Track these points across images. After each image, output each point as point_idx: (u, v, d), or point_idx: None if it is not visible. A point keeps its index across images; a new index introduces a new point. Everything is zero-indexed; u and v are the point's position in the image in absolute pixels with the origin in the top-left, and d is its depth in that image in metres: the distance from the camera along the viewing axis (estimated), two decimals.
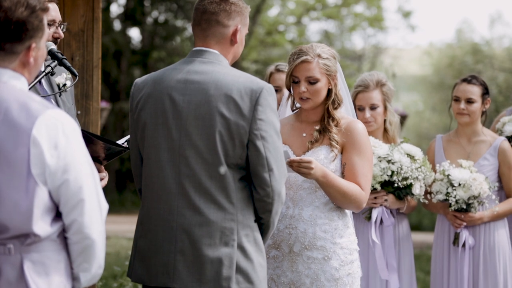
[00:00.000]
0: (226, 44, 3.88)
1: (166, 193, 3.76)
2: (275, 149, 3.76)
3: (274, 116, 3.78)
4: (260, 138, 3.71)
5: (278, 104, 5.41)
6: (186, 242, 3.73)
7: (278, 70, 5.86)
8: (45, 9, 3.11)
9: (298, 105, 4.55)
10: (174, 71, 3.84)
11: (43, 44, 3.14)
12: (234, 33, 3.87)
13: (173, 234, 3.75)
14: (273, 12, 24.09)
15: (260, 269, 3.81)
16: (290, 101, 4.58)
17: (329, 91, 4.43)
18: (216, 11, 3.84)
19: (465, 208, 5.69)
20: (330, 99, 4.42)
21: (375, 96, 5.57)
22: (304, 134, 4.46)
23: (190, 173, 3.73)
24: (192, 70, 3.80)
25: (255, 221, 3.83)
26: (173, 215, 3.75)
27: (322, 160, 4.36)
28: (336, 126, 4.40)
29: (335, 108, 4.43)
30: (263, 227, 3.87)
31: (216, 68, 3.79)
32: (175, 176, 3.75)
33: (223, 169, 3.73)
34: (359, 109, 5.56)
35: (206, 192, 3.72)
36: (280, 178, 3.78)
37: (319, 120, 4.45)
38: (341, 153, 4.41)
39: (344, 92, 4.56)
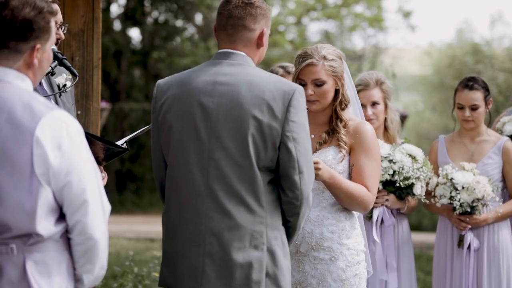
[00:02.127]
0: (253, 48, 3.84)
1: (194, 196, 3.71)
2: (306, 151, 3.73)
3: (305, 118, 3.75)
4: (292, 140, 3.68)
5: None
6: (215, 246, 3.68)
7: (288, 73, 5.82)
8: (53, 12, 3.12)
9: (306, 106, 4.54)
10: (201, 72, 3.78)
11: (48, 47, 3.14)
12: (260, 36, 3.84)
13: (201, 237, 3.69)
14: (273, 12, 24.04)
15: (287, 273, 3.77)
16: None
17: (337, 92, 4.42)
18: (242, 16, 3.79)
19: (469, 211, 5.69)
20: (338, 100, 4.41)
21: (376, 94, 5.60)
22: (313, 136, 4.45)
23: (220, 176, 3.67)
24: (221, 72, 3.75)
25: (282, 224, 3.80)
26: (202, 218, 3.69)
27: (330, 160, 4.35)
28: (344, 127, 4.40)
29: (343, 109, 4.42)
30: (290, 230, 3.83)
31: (245, 70, 3.76)
32: (203, 179, 3.69)
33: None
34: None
35: (236, 195, 3.67)
36: (309, 181, 3.75)
37: (327, 122, 4.45)
38: (349, 154, 4.40)
39: (351, 91, 4.56)
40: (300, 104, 3.72)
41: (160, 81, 3.89)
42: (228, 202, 3.67)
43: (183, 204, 3.74)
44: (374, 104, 5.59)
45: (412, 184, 5.47)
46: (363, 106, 5.57)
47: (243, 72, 3.74)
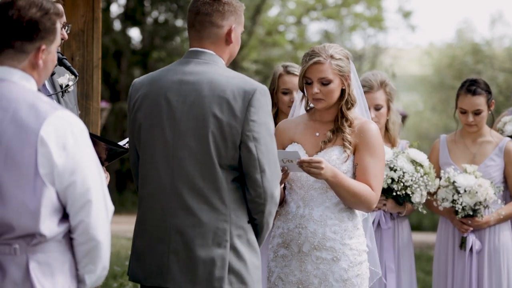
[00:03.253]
0: (221, 45, 3.87)
1: (160, 193, 3.77)
2: (268, 150, 3.75)
3: (268, 117, 3.77)
4: (252, 139, 3.70)
5: (288, 107, 5.37)
6: (180, 243, 3.73)
7: (288, 72, 5.75)
8: (59, 14, 3.13)
9: (312, 105, 4.53)
10: (170, 72, 3.85)
11: (54, 48, 3.15)
12: (229, 33, 3.86)
13: (166, 234, 3.75)
14: (273, 12, 24.10)
15: (253, 269, 3.80)
16: (304, 102, 4.57)
17: (343, 92, 4.41)
18: (209, 12, 3.83)
19: (471, 214, 5.68)
20: (344, 100, 4.41)
21: (379, 97, 5.56)
22: (317, 134, 4.45)
23: (184, 174, 3.73)
24: (188, 71, 3.80)
25: (249, 222, 3.82)
26: (167, 215, 3.76)
27: (334, 160, 4.35)
28: (349, 126, 4.39)
29: (349, 109, 4.42)
30: (258, 228, 3.86)
31: (211, 68, 3.79)
32: (169, 177, 3.75)
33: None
34: None
35: (199, 193, 3.72)
36: (273, 179, 3.77)
37: (333, 120, 4.44)
38: (354, 154, 4.40)
39: (358, 92, 4.55)
40: (261, 104, 3.73)
41: (135, 80, 3.96)
42: (191, 199, 3.72)
43: (151, 201, 3.81)
44: (377, 107, 5.56)
45: (412, 193, 5.43)
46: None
47: (209, 71, 3.78)
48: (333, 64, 4.36)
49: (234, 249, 3.74)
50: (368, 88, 5.55)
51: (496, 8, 41.40)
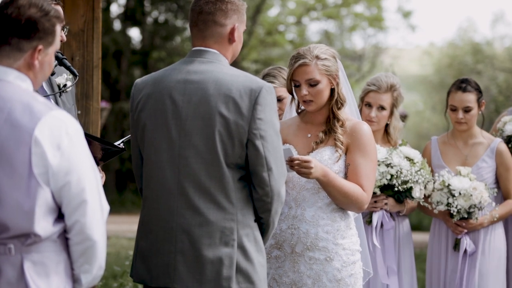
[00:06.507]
0: (225, 43, 3.86)
1: (166, 193, 3.76)
2: (274, 148, 3.75)
3: (274, 116, 3.77)
4: (259, 137, 3.70)
5: None
6: (186, 243, 3.72)
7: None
8: (59, 17, 3.15)
9: (302, 107, 4.53)
10: (174, 71, 3.84)
11: (52, 51, 3.16)
12: (232, 32, 3.86)
13: (173, 234, 3.74)
14: (273, 12, 24.10)
15: (260, 269, 3.80)
16: (294, 104, 4.57)
17: (332, 91, 4.42)
18: (212, 11, 3.82)
19: (466, 217, 5.68)
20: (334, 99, 4.41)
21: (385, 99, 5.54)
22: (309, 135, 4.45)
23: (190, 173, 3.72)
24: (192, 70, 3.80)
25: (255, 220, 3.82)
26: (173, 215, 3.75)
27: (326, 160, 4.35)
28: (341, 126, 4.39)
29: (339, 108, 4.42)
30: (263, 227, 3.86)
31: (216, 67, 3.79)
32: (174, 177, 3.74)
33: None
34: (366, 105, 5.57)
35: (206, 192, 3.72)
36: (279, 178, 3.77)
37: (324, 121, 4.44)
38: (346, 154, 4.40)
39: (347, 90, 4.54)
40: (267, 102, 3.73)
41: (137, 80, 3.94)
42: (198, 199, 3.71)
43: (156, 201, 3.79)
44: (380, 107, 5.56)
45: (411, 187, 5.46)
46: (370, 106, 5.54)
47: (213, 70, 3.77)
48: (319, 65, 4.36)
49: (241, 248, 3.74)
50: (376, 88, 5.54)
51: (499, 7, 41.29)
